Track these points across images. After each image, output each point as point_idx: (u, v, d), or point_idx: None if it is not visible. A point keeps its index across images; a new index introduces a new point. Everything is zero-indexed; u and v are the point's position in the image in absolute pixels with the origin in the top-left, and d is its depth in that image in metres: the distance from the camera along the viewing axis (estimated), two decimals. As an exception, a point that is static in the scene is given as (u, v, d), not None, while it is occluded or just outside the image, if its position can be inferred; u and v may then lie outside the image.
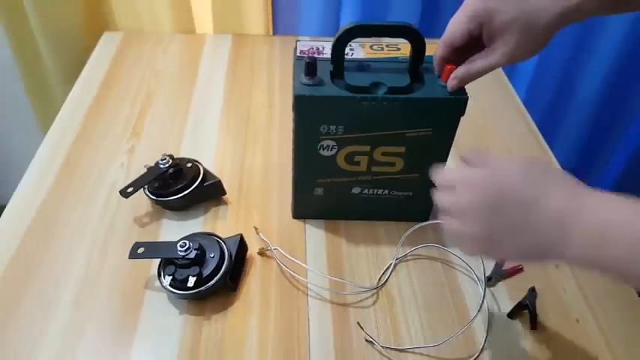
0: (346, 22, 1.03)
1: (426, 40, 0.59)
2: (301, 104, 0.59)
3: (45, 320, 0.59)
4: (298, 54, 0.63)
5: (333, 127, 0.61)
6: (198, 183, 0.71)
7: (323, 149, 0.63)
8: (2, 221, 0.70)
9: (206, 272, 0.60)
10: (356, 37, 0.57)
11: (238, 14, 1.08)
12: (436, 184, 0.50)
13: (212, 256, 0.61)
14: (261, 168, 0.80)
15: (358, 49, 0.65)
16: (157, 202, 0.71)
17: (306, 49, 0.64)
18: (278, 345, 0.58)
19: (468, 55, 0.56)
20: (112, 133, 0.85)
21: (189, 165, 0.73)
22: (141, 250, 0.62)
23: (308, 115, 0.60)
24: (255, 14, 1.08)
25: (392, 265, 0.67)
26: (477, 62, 0.55)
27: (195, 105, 0.92)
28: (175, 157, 0.72)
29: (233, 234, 0.65)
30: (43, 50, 1.05)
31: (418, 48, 0.59)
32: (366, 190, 0.68)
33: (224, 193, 0.74)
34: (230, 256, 0.62)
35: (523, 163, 0.45)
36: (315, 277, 0.65)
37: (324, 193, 0.68)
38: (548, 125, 1.14)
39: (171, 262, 0.60)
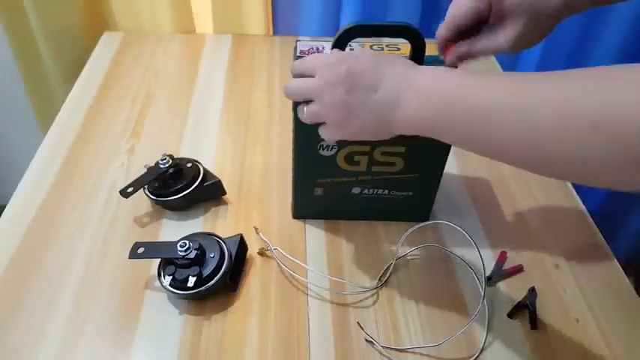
0: (346, 22, 1.02)
1: (426, 40, 0.59)
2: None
3: (45, 320, 0.59)
4: (298, 54, 0.63)
5: (333, 127, 0.60)
6: (198, 183, 0.71)
7: (323, 149, 0.63)
8: (2, 221, 0.70)
9: (206, 272, 0.60)
10: (356, 37, 0.57)
11: (238, 14, 1.08)
12: (295, 72, 0.53)
13: (212, 256, 0.61)
14: (261, 168, 0.80)
15: (358, 49, 0.65)
16: (157, 202, 0.71)
17: (306, 49, 0.64)
18: (278, 345, 0.58)
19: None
20: (112, 133, 0.85)
21: (189, 165, 0.73)
22: (141, 250, 0.62)
23: (308, 115, 0.60)
24: (255, 14, 1.08)
25: (392, 265, 0.67)
26: (481, 41, 0.54)
27: (195, 105, 0.92)
28: (175, 157, 0.72)
29: (233, 234, 0.65)
30: (43, 50, 1.05)
31: (418, 48, 0.59)
32: (366, 190, 0.68)
33: (224, 193, 0.74)
34: (230, 256, 0.62)
35: (372, 52, 0.51)
36: (315, 277, 0.65)
37: (324, 193, 0.68)
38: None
39: (171, 262, 0.60)
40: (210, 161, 0.80)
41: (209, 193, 0.73)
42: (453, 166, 0.82)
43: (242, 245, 0.65)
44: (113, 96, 0.93)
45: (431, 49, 0.62)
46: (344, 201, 0.69)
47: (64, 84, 1.07)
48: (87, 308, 0.61)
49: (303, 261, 0.66)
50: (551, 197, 0.78)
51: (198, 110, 0.91)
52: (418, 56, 0.60)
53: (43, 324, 0.59)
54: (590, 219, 0.75)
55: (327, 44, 0.64)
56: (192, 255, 0.59)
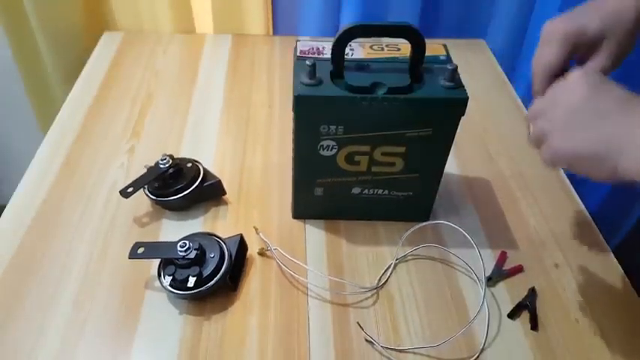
0: (346, 22, 1.03)
1: (426, 40, 0.59)
2: (301, 104, 0.59)
3: (45, 320, 0.59)
4: (298, 54, 0.63)
5: (333, 127, 0.61)
6: (198, 183, 0.71)
7: (323, 149, 0.63)
8: (2, 221, 0.70)
9: (206, 272, 0.60)
10: (356, 37, 0.57)
11: (238, 14, 1.08)
12: (529, 118, 0.52)
13: (212, 256, 0.61)
14: (261, 168, 0.80)
15: (358, 49, 0.65)
16: (156, 202, 0.71)
17: (306, 49, 0.64)
18: (278, 345, 0.58)
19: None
20: (112, 133, 0.85)
21: (189, 165, 0.73)
22: (141, 250, 0.62)
23: (308, 115, 0.60)
24: (255, 14, 1.08)
25: (392, 265, 0.67)
26: (598, 64, 0.55)
27: (195, 105, 0.92)
28: (175, 157, 0.72)
29: (233, 234, 0.65)
30: (43, 50, 1.05)
31: (418, 48, 0.59)
32: (366, 190, 0.68)
33: (224, 193, 0.74)
34: (230, 256, 0.62)
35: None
36: (315, 277, 0.65)
37: (324, 193, 0.68)
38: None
39: (171, 262, 0.60)
40: (210, 161, 0.80)
41: (209, 193, 0.73)
42: (453, 166, 0.82)
43: (242, 245, 0.65)
44: (113, 96, 0.93)
45: (431, 49, 0.62)
46: (344, 201, 0.69)
47: (64, 84, 1.07)
48: (87, 308, 0.61)
49: (303, 261, 0.66)
50: (551, 197, 0.78)
51: (198, 110, 0.91)
52: (418, 56, 0.60)
53: (43, 324, 0.59)
54: (590, 219, 0.75)
55: (327, 44, 0.64)
56: (192, 255, 0.59)
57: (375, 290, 0.64)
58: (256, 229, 0.69)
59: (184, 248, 0.59)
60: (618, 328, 0.61)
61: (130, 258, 0.62)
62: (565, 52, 0.54)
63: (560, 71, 0.54)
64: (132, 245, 0.62)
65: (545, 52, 0.55)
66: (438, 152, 0.64)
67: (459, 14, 1.10)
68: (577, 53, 0.55)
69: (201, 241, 0.61)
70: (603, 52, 0.55)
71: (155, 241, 0.68)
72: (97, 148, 0.82)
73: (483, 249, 0.69)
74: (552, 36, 0.55)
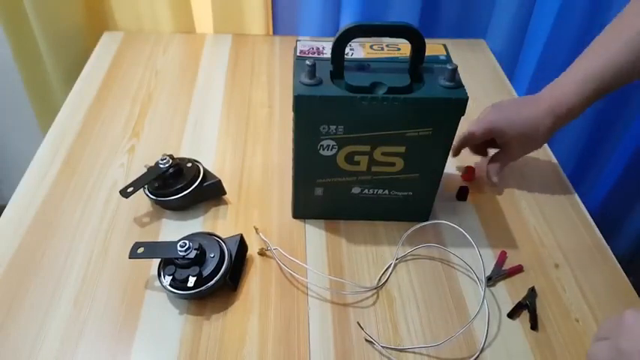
0: (346, 22, 1.03)
1: (426, 40, 0.59)
2: (301, 104, 0.59)
3: (45, 320, 0.59)
4: (298, 54, 0.63)
5: (333, 127, 0.61)
6: (198, 183, 0.71)
7: (323, 149, 0.63)
8: (2, 221, 0.70)
9: (206, 272, 0.60)
10: (356, 37, 0.57)
11: (238, 14, 1.08)
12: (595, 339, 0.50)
13: (212, 256, 0.61)
14: (261, 168, 0.80)
15: (358, 49, 0.65)
16: (156, 202, 0.72)
17: (306, 49, 0.64)
18: (278, 345, 0.58)
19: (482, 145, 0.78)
20: (112, 133, 0.85)
21: (189, 165, 0.73)
22: (141, 250, 0.62)
23: (308, 115, 0.60)
24: (255, 14, 1.08)
25: (392, 265, 0.67)
26: (501, 160, 0.75)
27: (195, 105, 0.92)
28: (175, 157, 0.72)
29: (233, 234, 0.65)
30: (43, 50, 1.05)
31: (418, 48, 0.59)
32: (366, 190, 0.68)
33: (224, 193, 0.74)
34: (230, 256, 0.62)
35: None
36: (315, 277, 0.65)
37: (324, 193, 0.68)
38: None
39: (171, 262, 0.60)
40: (210, 161, 0.80)
41: (209, 193, 0.73)
42: (453, 166, 0.82)
43: (242, 245, 0.65)
44: (113, 96, 0.93)
45: (431, 49, 0.62)
46: (344, 201, 0.69)
47: (64, 84, 1.07)
48: (87, 308, 0.61)
49: (303, 261, 0.66)
50: (551, 197, 0.78)
51: (198, 110, 0.91)
52: (418, 56, 0.60)
53: (43, 324, 0.59)
54: (590, 219, 0.75)
55: (327, 44, 0.64)
56: (192, 255, 0.59)
57: (375, 290, 0.64)
58: (256, 229, 0.69)
59: (184, 248, 0.59)
60: (618, 328, 0.61)
61: (130, 258, 0.62)
62: (484, 137, 0.73)
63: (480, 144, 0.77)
64: (132, 245, 0.62)
65: (472, 129, 0.73)
66: (437, 152, 0.64)
67: (459, 14, 1.10)
68: (498, 140, 0.74)
69: (201, 241, 0.61)
70: (513, 149, 0.73)
71: (155, 241, 0.68)
72: (97, 148, 0.82)
73: (483, 249, 0.69)
74: (482, 120, 0.72)
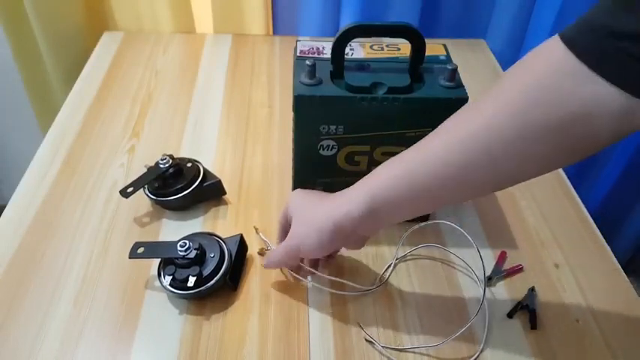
0: (346, 22, 1.03)
1: (426, 40, 0.59)
2: (301, 104, 0.59)
3: (45, 320, 0.59)
4: (298, 54, 0.63)
5: (333, 127, 0.61)
6: (198, 183, 0.71)
7: (323, 149, 0.63)
8: (2, 221, 0.70)
9: (206, 272, 0.59)
10: (356, 37, 0.57)
11: (238, 14, 1.08)
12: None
13: (212, 256, 0.61)
14: (261, 168, 0.80)
15: (358, 49, 0.65)
16: (156, 202, 0.71)
17: (306, 49, 0.64)
18: (278, 345, 0.58)
19: None
20: (112, 133, 0.85)
21: (189, 165, 0.73)
22: (141, 250, 0.62)
23: (308, 115, 0.60)
24: (255, 14, 1.08)
25: (392, 265, 0.67)
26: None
27: (195, 105, 0.92)
28: (175, 157, 0.72)
29: (233, 234, 0.65)
30: (43, 50, 1.05)
31: (418, 48, 0.59)
32: (366, 190, 0.68)
33: (224, 193, 0.74)
34: (230, 255, 0.62)
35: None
36: (315, 277, 0.65)
37: (325, 190, 0.68)
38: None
39: (171, 262, 0.60)
40: (210, 161, 0.80)
41: (209, 193, 0.73)
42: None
43: (242, 245, 0.65)
44: (113, 96, 0.93)
45: (431, 49, 0.62)
46: (344, 201, 0.69)
47: (64, 84, 1.07)
48: (87, 308, 0.61)
49: (302, 261, 0.66)
50: (551, 197, 0.78)
51: (198, 110, 0.91)
52: (418, 56, 0.60)
53: (43, 324, 0.59)
54: (590, 219, 0.75)
55: (327, 44, 0.64)
56: (192, 255, 0.59)
57: (375, 290, 0.64)
58: (256, 229, 0.69)
59: (184, 248, 0.59)
60: (618, 328, 0.61)
61: (130, 258, 0.62)
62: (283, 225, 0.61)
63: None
64: (132, 245, 0.62)
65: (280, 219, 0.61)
66: (438, 152, 0.64)
67: (459, 14, 1.10)
68: None
69: (201, 241, 0.61)
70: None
71: (155, 240, 0.68)
72: (97, 148, 0.82)
73: (483, 249, 0.69)
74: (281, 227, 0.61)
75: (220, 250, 0.62)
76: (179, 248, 0.59)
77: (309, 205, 0.57)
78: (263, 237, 0.68)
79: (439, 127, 0.49)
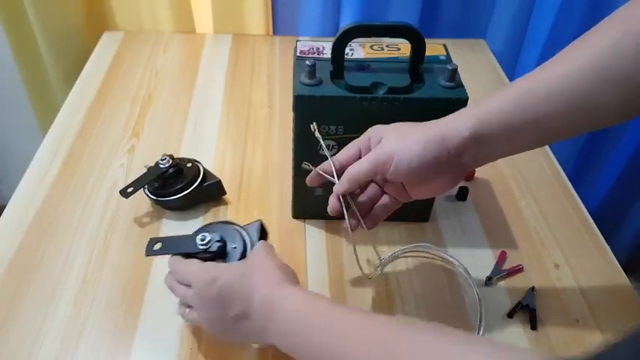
0: (346, 22, 1.03)
1: (426, 40, 0.59)
2: (301, 104, 0.59)
3: (45, 320, 0.59)
4: (298, 54, 0.63)
5: (333, 127, 0.61)
6: (198, 183, 0.71)
7: (323, 149, 0.63)
8: (2, 221, 0.70)
9: None
10: (356, 37, 0.57)
11: (238, 14, 1.08)
12: (175, 277, 0.55)
13: (234, 247, 0.55)
14: (261, 168, 0.80)
15: (358, 49, 0.65)
16: (156, 202, 0.71)
17: (306, 49, 0.64)
18: (278, 345, 0.58)
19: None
20: (112, 133, 0.85)
21: (189, 165, 0.73)
22: (158, 246, 0.56)
23: (308, 115, 0.60)
24: (255, 14, 1.08)
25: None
26: (384, 201, 0.57)
27: (195, 105, 0.92)
28: (175, 157, 0.72)
29: (233, 234, 0.64)
30: (43, 50, 1.05)
31: (418, 48, 0.59)
32: (366, 190, 0.68)
33: (224, 193, 0.74)
34: (252, 246, 0.55)
35: (238, 265, 0.52)
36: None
37: (324, 193, 0.68)
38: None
39: (191, 257, 0.54)
40: (210, 161, 0.80)
41: (209, 193, 0.73)
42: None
43: (263, 232, 0.58)
44: (113, 96, 0.93)
45: (431, 49, 0.62)
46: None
47: (64, 84, 1.07)
48: (87, 308, 0.61)
49: (303, 261, 0.66)
50: (551, 197, 0.78)
51: (198, 110, 0.91)
52: (418, 56, 0.60)
53: (43, 324, 0.59)
54: (590, 219, 0.75)
55: (327, 44, 0.64)
56: (215, 248, 0.53)
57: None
58: (256, 229, 0.69)
59: (205, 241, 0.54)
60: (618, 328, 0.61)
61: (147, 255, 0.56)
62: (374, 171, 0.51)
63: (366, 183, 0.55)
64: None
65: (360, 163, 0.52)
66: (438, 152, 0.64)
67: (459, 14, 1.10)
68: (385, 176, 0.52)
69: (221, 232, 0.56)
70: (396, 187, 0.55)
71: (172, 235, 0.64)
72: (97, 148, 0.82)
73: (483, 249, 0.69)
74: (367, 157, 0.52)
75: (242, 240, 0.56)
76: (199, 242, 0.54)
77: (407, 125, 0.52)
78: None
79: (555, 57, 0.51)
